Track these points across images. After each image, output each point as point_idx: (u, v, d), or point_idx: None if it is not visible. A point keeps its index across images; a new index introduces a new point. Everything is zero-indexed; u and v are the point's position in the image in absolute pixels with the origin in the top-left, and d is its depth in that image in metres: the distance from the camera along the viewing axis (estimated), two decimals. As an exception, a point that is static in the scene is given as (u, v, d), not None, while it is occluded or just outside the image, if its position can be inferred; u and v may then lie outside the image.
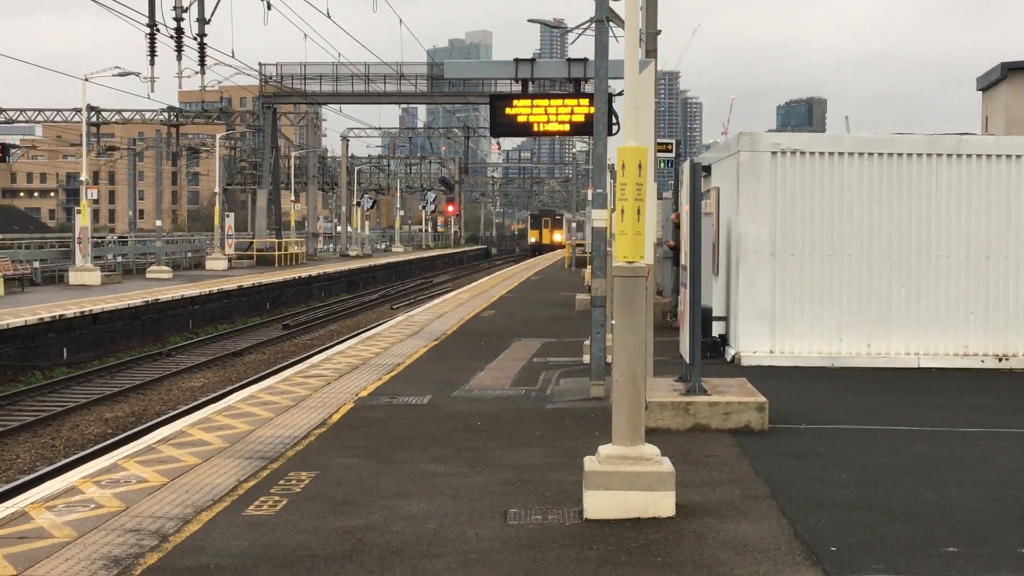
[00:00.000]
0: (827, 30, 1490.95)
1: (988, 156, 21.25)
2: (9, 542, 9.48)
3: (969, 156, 21.19)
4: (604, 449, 10.47)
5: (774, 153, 21.19)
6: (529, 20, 41.40)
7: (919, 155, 21.17)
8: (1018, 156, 21.21)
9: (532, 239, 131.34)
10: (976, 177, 21.06)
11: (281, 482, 11.64)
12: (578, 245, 70.25)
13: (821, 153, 21.34)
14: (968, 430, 15.02)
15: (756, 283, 21.05)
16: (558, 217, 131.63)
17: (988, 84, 61.40)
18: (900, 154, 21.21)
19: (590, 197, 23.35)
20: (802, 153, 21.32)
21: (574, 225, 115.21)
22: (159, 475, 12.00)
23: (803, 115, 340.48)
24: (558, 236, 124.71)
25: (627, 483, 10.23)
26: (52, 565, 8.85)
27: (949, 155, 21.20)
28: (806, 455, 13.23)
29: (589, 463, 10.44)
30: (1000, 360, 20.91)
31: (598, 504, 10.21)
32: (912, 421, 15.73)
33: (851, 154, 21.27)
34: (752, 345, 21.05)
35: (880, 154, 21.23)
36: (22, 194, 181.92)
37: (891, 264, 20.97)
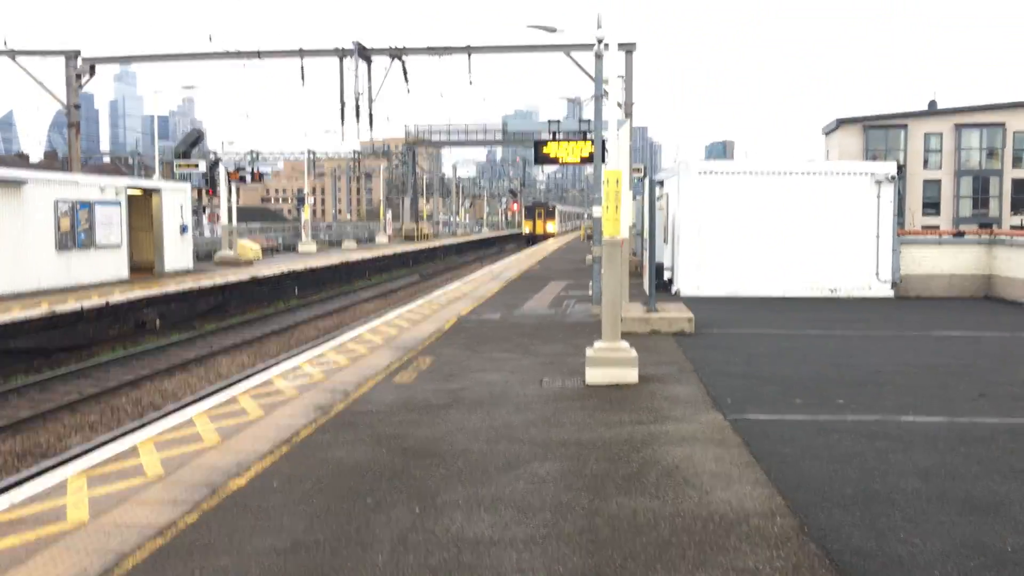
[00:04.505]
0: (739, 95, 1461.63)
1: (822, 173, 21.05)
2: (260, 397, 9.73)
3: (811, 173, 20.98)
4: (597, 344, 10.52)
5: (700, 173, 21.05)
6: (560, 97, 41.58)
7: (782, 172, 20.97)
8: (836, 173, 21.06)
9: (526, 229, 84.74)
10: (817, 185, 20.85)
11: (414, 363, 11.77)
12: (587, 228, 69.89)
13: (726, 172, 21.18)
14: (812, 332, 14.96)
15: (689, 248, 20.98)
16: (551, 208, 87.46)
17: (829, 131, 60.60)
18: (770, 172, 21.03)
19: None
20: (716, 173, 21.17)
21: (587, 215, 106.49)
22: (346, 359, 12.20)
23: (720, 151, 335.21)
24: (551, 226, 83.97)
25: (610, 363, 10.30)
26: (285, 409, 9.07)
27: (800, 172, 21.01)
28: (715, 347, 13.23)
29: (589, 352, 10.49)
30: (831, 291, 20.76)
31: (593, 376, 10.29)
32: (779, 327, 15.69)
33: (743, 172, 21.11)
34: (687, 284, 21.00)
35: (759, 172, 21.05)
36: (272, 200, 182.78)
37: (768, 236, 20.83)
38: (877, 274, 20.74)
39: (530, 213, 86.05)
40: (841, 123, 58.58)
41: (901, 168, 30.97)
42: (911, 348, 13.35)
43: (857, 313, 17.84)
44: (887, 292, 20.73)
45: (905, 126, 58.58)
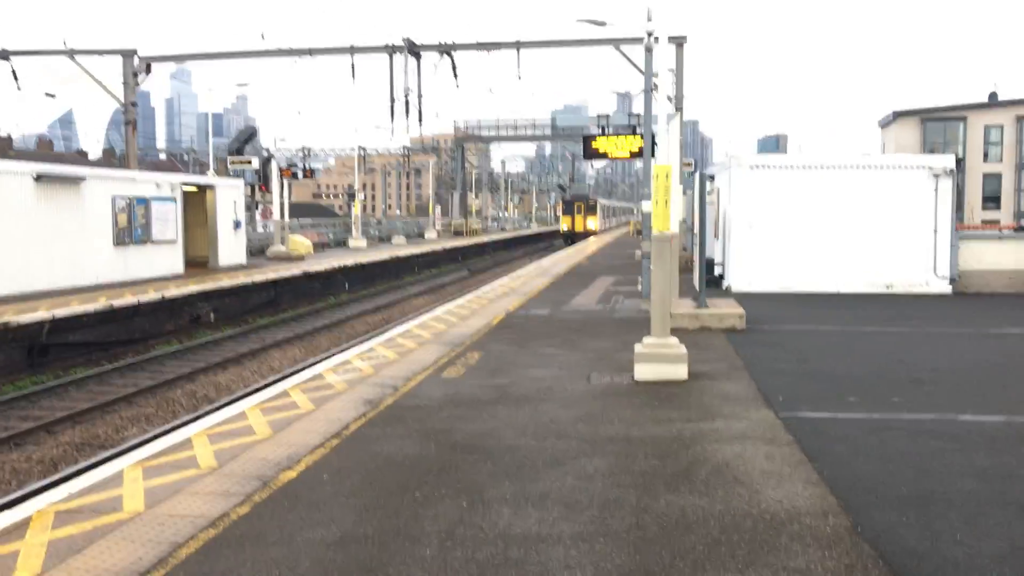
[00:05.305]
0: (790, 90, 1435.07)
1: (877, 166, 20.67)
2: (312, 391, 9.84)
3: (866, 167, 20.61)
4: (646, 339, 10.47)
5: (752, 167, 20.79)
6: (609, 91, 41.44)
7: (835, 166, 20.62)
8: (892, 166, 20.67)
9: (564, 226, 71.20)
10: (871, 179, 20.46)
11: (462, 358, 11.82)
12: (637, 223, 68.26)
13: (779, 167, 20.91)
14: (866, 328, 14.70)
15: (740, 243, 20.73)
16: (592, 203, 73.84)
17: (885, 123, 59.40)
18: (823, 166, 20.69)
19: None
20: (767, 167, 20.91)
21: (636, 210, 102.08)
22: (395, 354, 12.29)
23: (773, 145, 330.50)
24: (592, 223, 70.89)
25: (659, 359, 10.23)
26: (335, 403, 9.16)
27: (855, 166, 20.64)
28: (767, 343, 13.06)
29: (638, 347, 10.44)
30: (887, 287, 20.36)
31: (642, 372, 10.23)
32: (832, 323, 15.42)
33: (796, 167, 20.81)
34: (738, 280, 20.76)
35: (812, 166, 20.73)
36: (323, 196, 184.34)
37: (821, 231, 20.49)
38: (935, 270, 20.30)
39: (568, 208, 73.07)
40: (898, 116, 57.40)
41: (960, 161, 30.32)
42: (969, 346, 13.06)
43: (913, 309, 17.49)
44: (945, 288, 20.28)
45: (964, 118, 57.19)
